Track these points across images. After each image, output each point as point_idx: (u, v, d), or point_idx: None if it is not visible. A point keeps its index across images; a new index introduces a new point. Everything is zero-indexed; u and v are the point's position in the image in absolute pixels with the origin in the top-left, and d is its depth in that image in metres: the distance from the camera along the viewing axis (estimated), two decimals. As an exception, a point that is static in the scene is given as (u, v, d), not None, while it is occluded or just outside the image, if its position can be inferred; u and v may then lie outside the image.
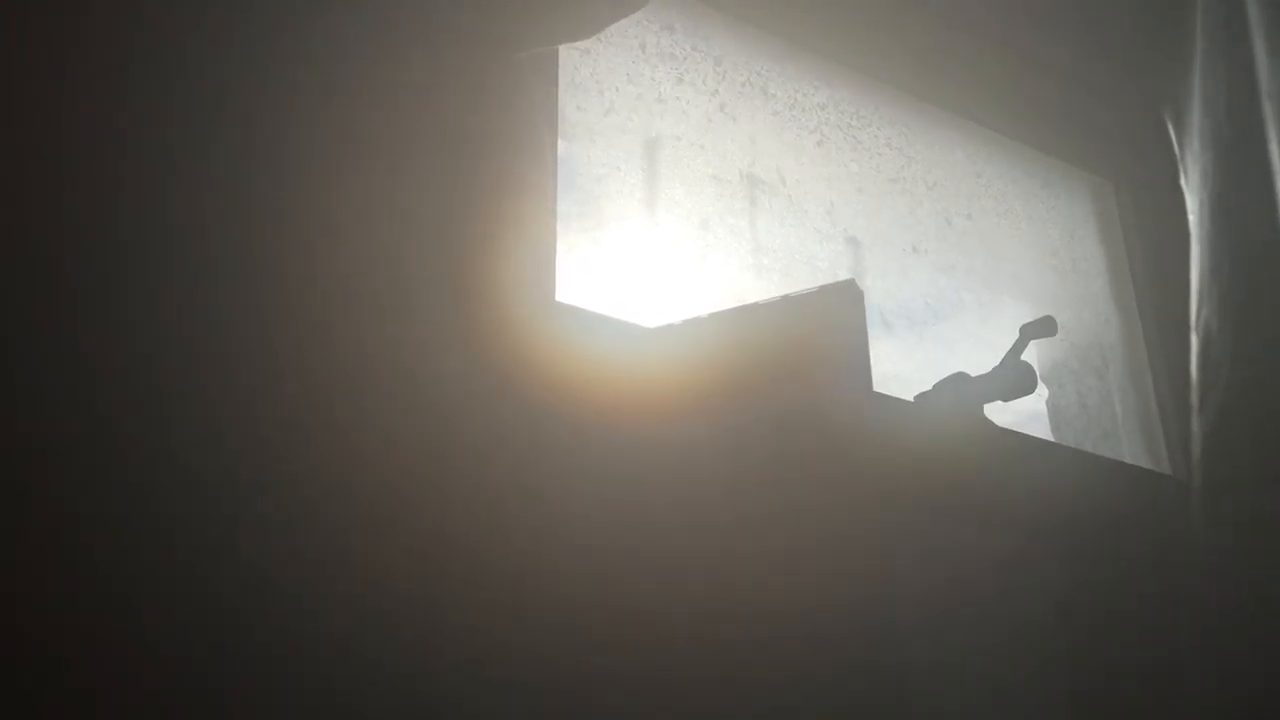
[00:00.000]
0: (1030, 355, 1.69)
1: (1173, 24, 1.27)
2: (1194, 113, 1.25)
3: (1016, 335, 1.65)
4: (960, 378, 1.59)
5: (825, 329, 1.05)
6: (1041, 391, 1.92)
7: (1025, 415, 1.89)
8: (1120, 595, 1.59)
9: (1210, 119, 1.21)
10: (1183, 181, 1.29)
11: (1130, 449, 2.01)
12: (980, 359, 1.74)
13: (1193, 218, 1.24)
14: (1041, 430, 1.94)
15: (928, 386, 1.65)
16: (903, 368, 1.78)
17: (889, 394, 1.57)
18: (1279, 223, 1.11)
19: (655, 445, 1.16)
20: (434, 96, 1.05)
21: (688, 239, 1.64)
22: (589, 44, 1.59)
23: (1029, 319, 1.75)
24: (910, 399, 1.63)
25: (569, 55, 1.57)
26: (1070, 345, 2.02)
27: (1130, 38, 1.40)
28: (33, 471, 0.77)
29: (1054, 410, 1.99)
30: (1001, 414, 1.79)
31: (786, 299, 1.08)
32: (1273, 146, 1.12)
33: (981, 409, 1.59)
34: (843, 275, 1.76)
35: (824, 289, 1.07)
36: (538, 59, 1.25)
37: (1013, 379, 1.57)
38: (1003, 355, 1.65)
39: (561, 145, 1.53)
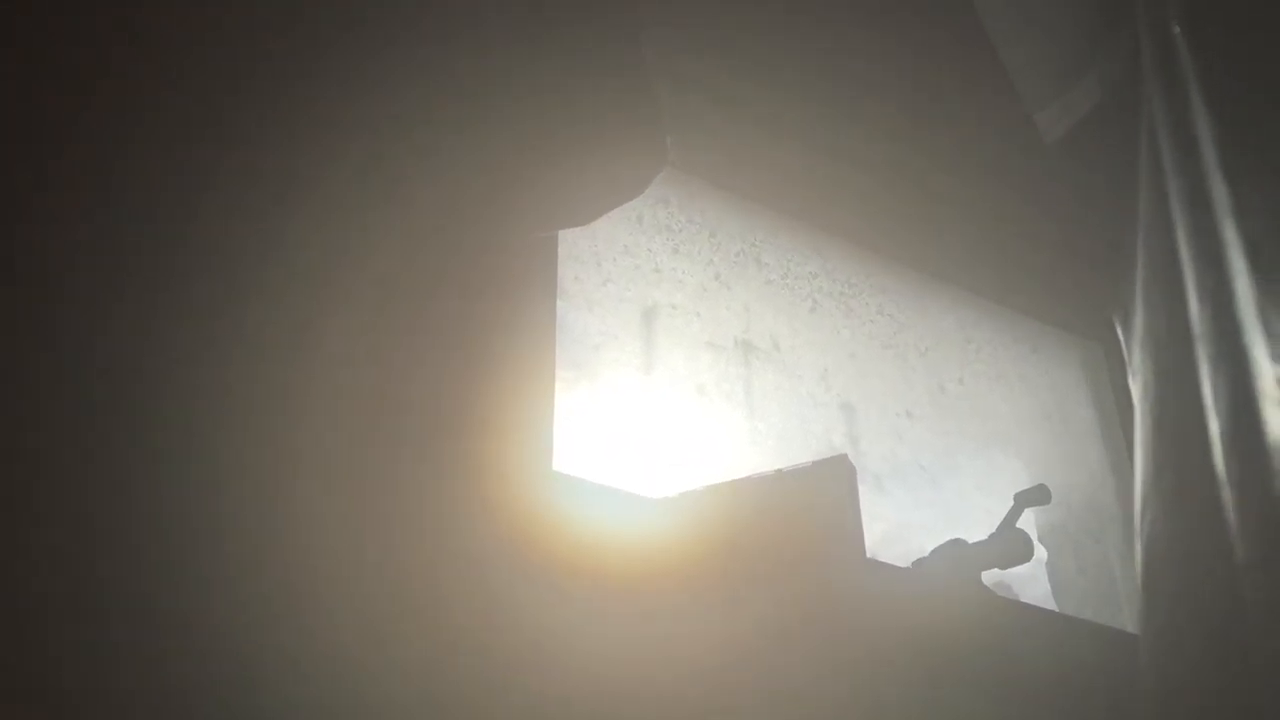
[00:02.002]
0: (1026, 520, 1.70)
1: (1114, 237, 1.32)
2: (1138, 324, 1.30)
3: (1012, 500, 1.66)
4: (957, 544, 1.60)
5: (819, 503, 1.07)
6: (1040, 556, 1.92)
7: (1025, 577, 1.89)
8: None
9: (1150, 340, 1.25)
10: (1130, 381, 1.32)
11: (1130, 612, 2.00)
12: (977, 522, 1.74)
13: (1137, 416, 1.27)
14: (1042, 593, 1.94)
15: (924, 552, 1.65)
16: (899, 533, 1.78)
17: (884, 561, 1.57)
18: (1215, 466, 1.14)
19: (655, 616, 1.16)
20: (434, 282, 1.08)
21: (684, 405, 1.67)
22: (587, 219, 1.64)
23: (1024, 482, 1.76)
24: (907, 565, 1.63)
25: (568, 229, 1.62)
26: (1067, 508, 2.03)
27: (1090, 241, 1.46)
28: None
29: (1053, 574, 1.99)
30: (995, 577, 1.80)
31: (780, 474, 1.10)
32: (1205, 389, 1.15)
33: (979, 576, 1.59)
34: (837, 440, 1.78)
35: (817, 464, 1.08)
36: (539, 239, 1.29)
37: (1009, 547, 1.58)
38: (999, 520, 1.66)
39: (560, 314, 1.57)
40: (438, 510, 1.06)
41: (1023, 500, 1.61)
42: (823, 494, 1.06)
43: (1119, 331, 1.34)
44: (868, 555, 1.55)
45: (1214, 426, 1.14)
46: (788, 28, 1.77)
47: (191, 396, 0.91)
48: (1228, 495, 1.12)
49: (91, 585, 0.82)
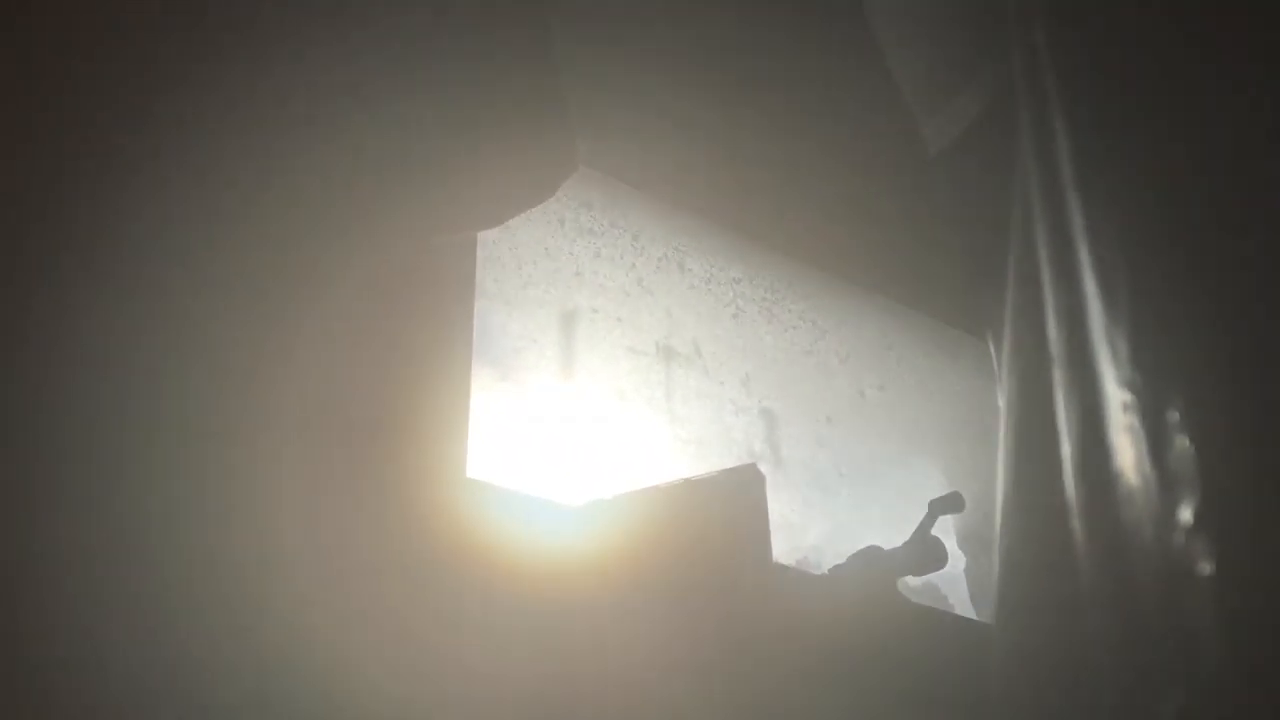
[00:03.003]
0: (945, 526, 1.71)
1: (987, 258, 1.33)
2: (1006, 342, 1.31)
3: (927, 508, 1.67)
4: (873, 551, 1.60)
5: (727, 511, 1.07)
6: (956, 560, 1.94)
7: (948, 579, 1.91)
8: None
9: (1016, 359, 1.26)
10: (999, 399, 1.34)
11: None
12: (895, 528, 1.76)
13: (1001, 436, 1.28)
14: (962, 595, 1.96)
15: (843, 557, 1.65)
16: (819, 538, 1.79)
17: (796, 568, 1.58)
18: (1065, 492, 1.15)
19: (566, 624, 1.16)
20: (348, 281, 1.07)
21: (604, 410, 1.66)
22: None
23: (942, 489, 1.78)
24: (823, 571, 1.64)
25: (487, 230, 1.61)
26: (983, 515, 2.05)
27: (963, 259, 1.48)
28: None
29: (972, 580, 2.01)
30: (921, 581, 1.81)
31: (689, 482, 1.10)
32: (1059, 413, 1.17)
33: (894, 583, 1.60)
34: (758, 447, 1.79)
35: (725, 472, 1.09)
36: (455, 240, 1.28)
37: (923, 554, 1.59)
38: (915, 527, 1.67)
39: (478, 317, 1.55)
40: (349, 516, 1.05)
41: (937, 507, 1.62)
42: (731, 502, 1.06)
43: (991, 347, 1.35)
44: (783, 562, 1.55)
45: (1065, 450, 1.16)
46: (702, 25, 1.76)
47: (93, 413, 0.89)
48: (1076, 522, 1.14)
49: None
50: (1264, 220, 1.06)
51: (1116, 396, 1.08)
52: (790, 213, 1.98)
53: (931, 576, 1.89)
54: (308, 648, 0.94)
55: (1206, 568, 0.98)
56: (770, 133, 1.94)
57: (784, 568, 1.49)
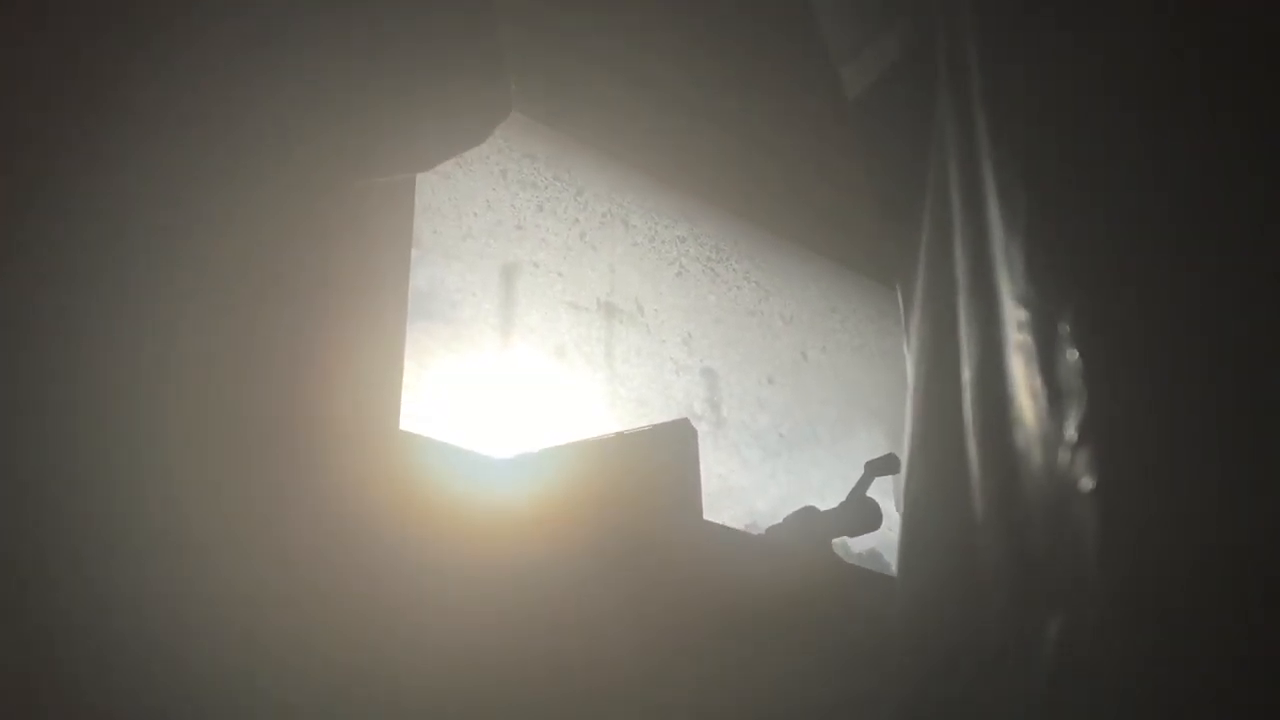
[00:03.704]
0: (884, 488, 1.72)
1: (902, 202, 1.33)
2: (916, 286, 1.30)
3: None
4: (809, 512, 1.61)
5: (658, 465, 1.06)
6: (895, 522, 1.95)
7: (892, 545, 1.91)
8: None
9: (928, 304, 1.26)
10: (905, 349, 1.34)
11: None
12: (835, 490, 1.76)
13: (909, 385, 1.28)
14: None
15: (780, 518, 1.66)
16: (756, 499, 1.79)
17: (728, 526, 1.57)
18: (964, 417, 1.15)
19: (496, 576, 1.15)
20: (277, 224, 1.04)
21: (543, 366, 1.65)
22: (448, 168, 1.60)
23: (883, 451, 1.78)
24: (760, 531, 1.64)
25: (427, 178, 1.58)
26: (922, 479, 2.06)
27: (877, 205, 1.47)
28: None
29: (908, 542, 2.02)
30: (866, 544, 1.82)
31: (622, 435, 1.09)
32: (962, 339, 1.17)
33: (829, 543, 1.60)
34: (698, 406, 1.78)
35: (659, 426, 1.07)
36: (389, 184, 1.25)
37: (859, 515, 1.59)
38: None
39: (417, 268, 1.53)
40: (279, 469, 1.03)
41: (872, 469, 1.62)
42: (663, 456, 1.05)
43: (899, 298, 1.35)
44: (721, 522, 1.55)
45: (965, 375, 1.16)
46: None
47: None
48: (971, 446, 1.13)
49: None
50: (1162, 135, 1.06)
51: (1013, 315, 1.07)
52: (736, 172, 1.97)
53: (873, 541, 1.90)
54: (235, 609, 0.92)
55: (1089, 483, 0.97)
56: (718, 90, 1.92)
57: (717, 526, 1.48)
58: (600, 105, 1.83)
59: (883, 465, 1.62)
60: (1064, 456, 0.99)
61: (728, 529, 1.55)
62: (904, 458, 1.19)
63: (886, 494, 1.86)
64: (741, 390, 1.86)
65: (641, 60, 1.85)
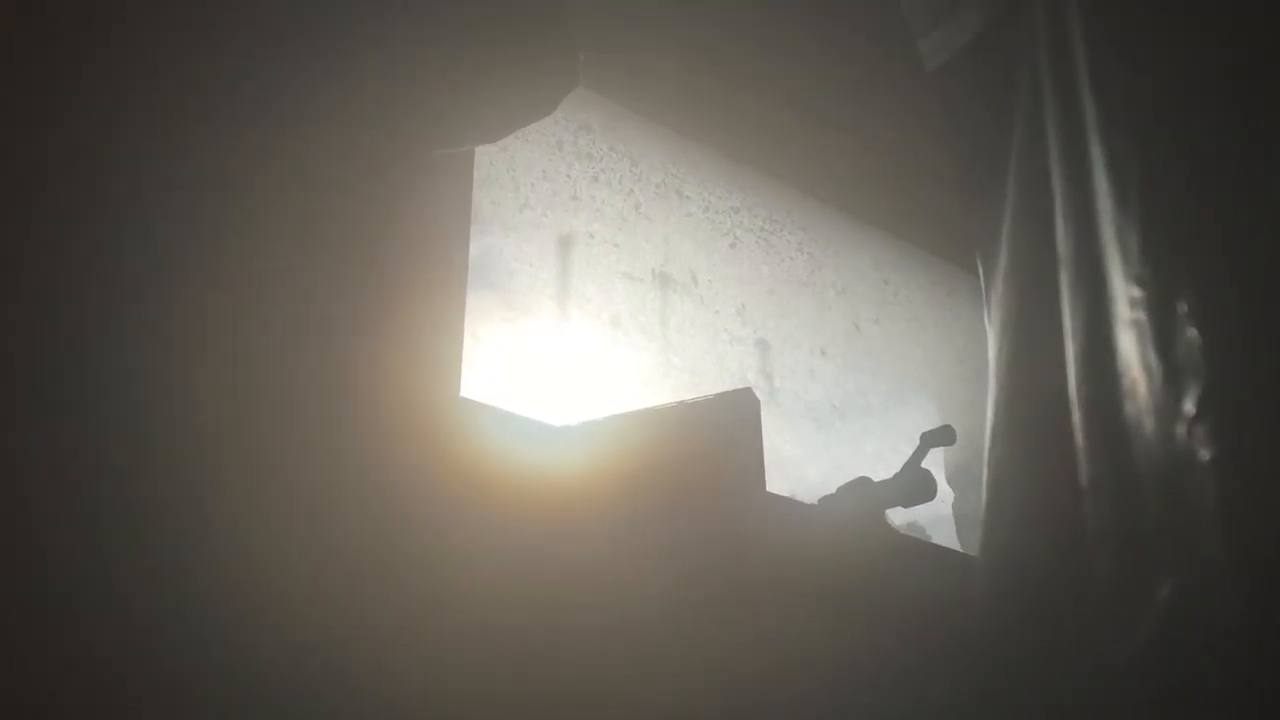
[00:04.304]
0: (935, 460, 1.72)
1: (985, 172, 1.32)
2: (1001, 258, 1.30)
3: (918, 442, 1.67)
4: (863, 482, 1.61)
5: (722, 434, 1.07)
6: (946, 496, 1.95)
7: (934, 518, 1.92)
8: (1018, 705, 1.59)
9: (1016, 271, 1.25)
10: (986, 320, 1.33)
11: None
12: (887, 462, 1.76)
13: (992, 355, 1.28)
14: (948, 534, 1.97)
15: (833, 489, 1.66)
16: (809, 470, 1.79)
17: (787, 496, 1.58)
18: (1069, 389, 1.15)
19: (556, 541, 1.16)
20: (343, 194, 1.05)
21: (599, 336, 1.66)
22: (506, 140, 1.61)
23: (935, 423, 1.78)
24: (815, 502, 1.64)
25: (485, 150, 1.59)
26: (974, 451, 2.05)
27: (959, 174, 1.46)
28: None
29: (959, 515, 2.02)
30: (908, 516, 1.82)
31: (684, 404, 1.09)
32: (1065, 313, 1.16)
33: (883, 514, 1.61)
34: (751, 376, 1.78)
35: (722, 395, 1.08)
36: (451, 156, 1.26)
37: (913, 486, 1.59)
38: (905, 460, 1.68)
39: (475, 239, 1.54)
40: (343, 432, 1.04)
41: (929, 440, 1.62)
42: (725, 425, 1.06)
43: (980, 267, 1.34)
44: (770, 490, 1.56)
45: (1070, 349, 1.16)
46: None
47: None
48: (1077, 417, 1.14)
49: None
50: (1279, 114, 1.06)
51: (1125, 292, 1.08)
52: (790, 143, 1.96)
53: (916, 515, 1.90)
54: (295, 565, 0.94)
55: (1206, 455, 0.98)
56: (772, 60, 1.92)
57: (774, 495, 1.49)
58: (654, 75, 1.83)
59: (939, 436, 1.62)
60: (1181, 430, 0.99)
61: (790, 500, 1.56)
62: (987, 425, 1.20)
63: (937, 467, 1.86)
64: (794, 361, 1.86)
65: (696, 30, 1.84)
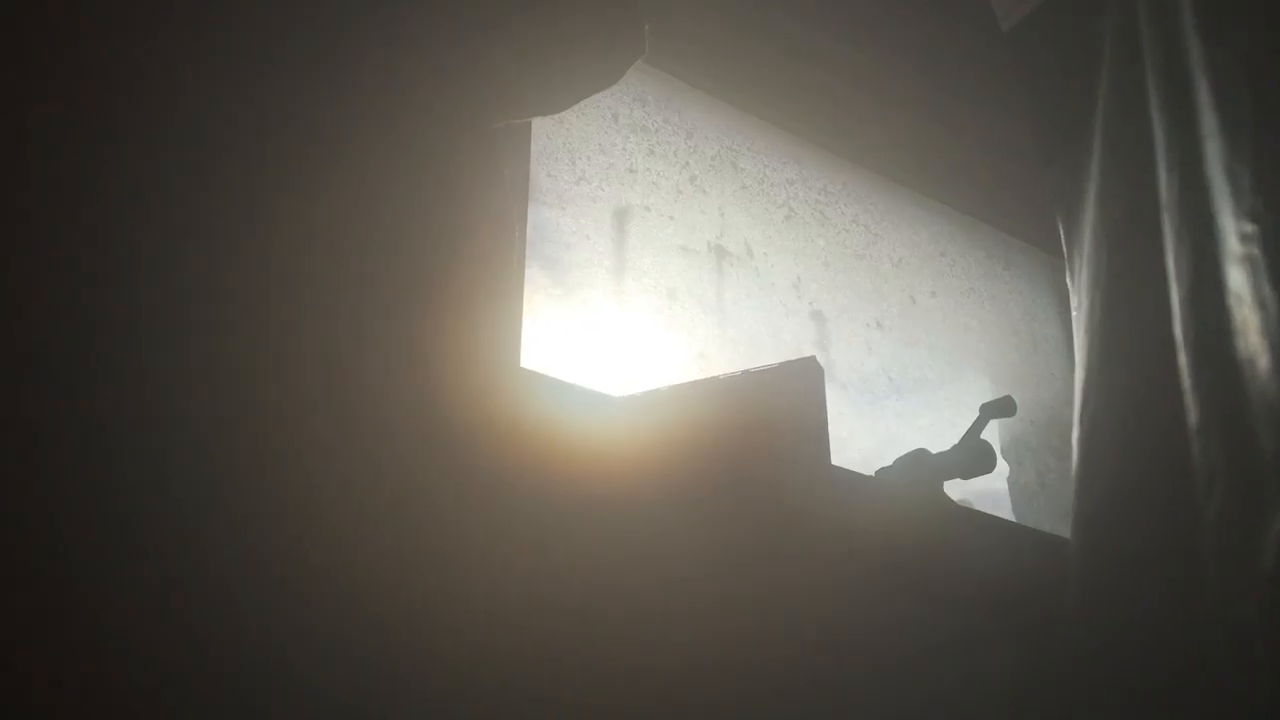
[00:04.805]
0: (990, 433, 1.71)
1: (1067, 128, 1.30)
2: (1087, 213, 1.28)
3: (977, 413, 1.67)
4: (920, 454, 1.60)
5: (785, 404, 1.06)
6: (1001, 469, 1.94)
7: (986, 492, 1.91)
8: (1073, 676, 1.59)
9: (1106, 224, 1.23)
10: (1069, 280, 1.31)
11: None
12: (942, 435, 1.75)
13: (1077, 313, 1.26)
14: (1002, 507, 1.96)
15: (888, 462, 1.66)
16: (865, 442, 1.79)
17: (848, 468, 1.58)
18: (1173, 332, 1.13)
19: (617, 512, 1.16)
20: (403, 166, 1.06)
21: (655, 308, 1.66)
22: (562, 113, 1.61)
23: (990, 396, 1.77)
24: (871, 474, 1.64)
25: (542, 123, 1.60)
26: (1030, 423, 2.04)
27: (1036, 133, 1.44)
28: None
29: (1014, 488, 2.01)
30: (962, 490, 1.81)
31: (748, 374, 1.09)
32: (1169, 261, 1.15)
33: (941, 486, 1.60)
34: (807, 348, 1.78)
35: (785, 365, 1.08)
36: (510, 128, 1.27)
37: (972, 457, 1.58)
38: (963, 432, 1.67)
39: (531, 211, 1.55)
40: (404, 401, 1.05)
41: (988, 411, 1.61)
42: (789, 395, 1.06)
43: (1060, 226, 1.32)
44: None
45: (1174, 294, 1.14)
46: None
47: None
48: (1183, 360, 1.12)
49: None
50: None
51: (1235, 229, 1.06)
52: (844, 114, 1.95)
53: (971, 490, 1.89)
54: (353, 534, 0.95)
55: None
56: (827, 31, 1.91)
57: (842, 469, 1.49)
58: (709, 47, 1.83)
59: (999, 407, 1.61)
60: None
61: (852, 472, 1.56)
62: (1077, 383, 1.18)
63: (992, 440, 1.84)
64: (849, 333, 1.86)
65: (750, 2, 1.84)
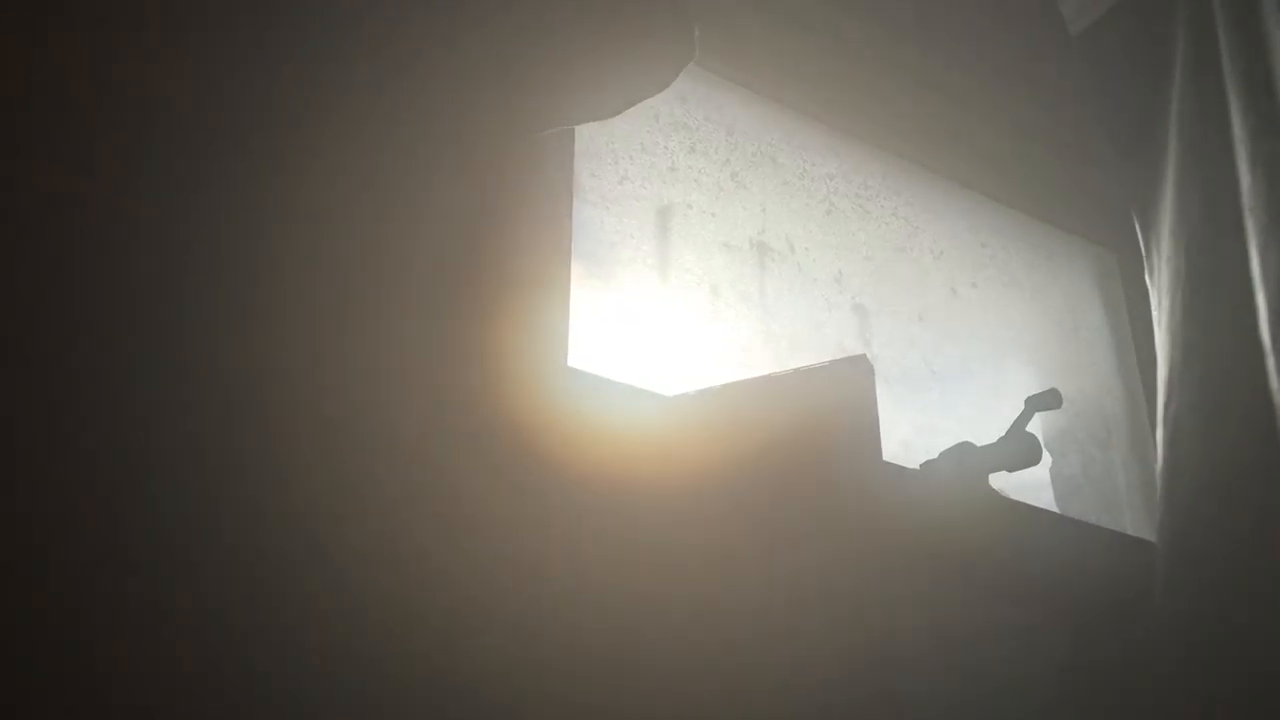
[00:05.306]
0: (1035, 424, 1.71)
1: (1144, 128, 1.29)
2: (1164, 214, 1.27)
3: (1022, 405, 1.67)
4: (965, 447, 1.61)
5: (836, 402, 1.07)
6: (1046, 461, 1.94)
7: (1029, 484, 1.91)
8: (1121, 668, 1.59)
9: (1184, 225, 1.23)
10: (1147, 279, 1.31)
11: (1133, 520, 2.03)
12: (985, 427, 1.76)
13: (1158, 314, 1.25)
14: (1046, 499, 1.96)
15: (933, 455, 1.66)
16: (908, 435, 1.79)
17: (893, 462, 1.58)
18: (1260, 335, 1.13)
19: (666, 512, 1.17)
20: (454, 172, 1.07)
21: (698, 305, 1.67)
22: (606, 115, 1.62)
23: (1034, 388, 1.77)
24: (915, 467, 1.65)
25: (585, 125, 1.61)
26: (1075, 415, 2.04)
27: (1109, 136, 1.43)
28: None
29: (1058, 480, 2.01)
30: (1006, 482, 1.81)
31: (799, 371, 1.10)
32: (1254, 262, 1.14)
33: (986, 479, 1.61)
34: (850, 342, 1.79)
35: (836, 363, 1.09)
36: (554, 132, 1.28)
37: (1018, 450, 1.59)
38: (1007, 424, 1.67)
39: (576, 211, 1.56)
40: (453, 400, 1.06)
41: (1033, 404, 1.62)
42: (841, 393, 1.07)
43: (1137, 227, 1.32)
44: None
45: (1260, 297, 1.14)
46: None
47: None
48: (1271, 363, 1.12)
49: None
50: None
51: None
52: (883, 107, 1.95)
53: (1014, 481, 1.89)
54: (399, 531, 0.95)
55: None
56: (866, 24, 1.91)
57: (894, 465, 1.49)
58: (747, 43, 1.83)
59: (1044, 400, 1.61)
60: None
61: (897, 466, 1.56)
62: (1160, 382, 1.18)
63: (1035, 432, 1.84)
64: (892, 327, 1.86)
65: (788, -3, 1.84)
